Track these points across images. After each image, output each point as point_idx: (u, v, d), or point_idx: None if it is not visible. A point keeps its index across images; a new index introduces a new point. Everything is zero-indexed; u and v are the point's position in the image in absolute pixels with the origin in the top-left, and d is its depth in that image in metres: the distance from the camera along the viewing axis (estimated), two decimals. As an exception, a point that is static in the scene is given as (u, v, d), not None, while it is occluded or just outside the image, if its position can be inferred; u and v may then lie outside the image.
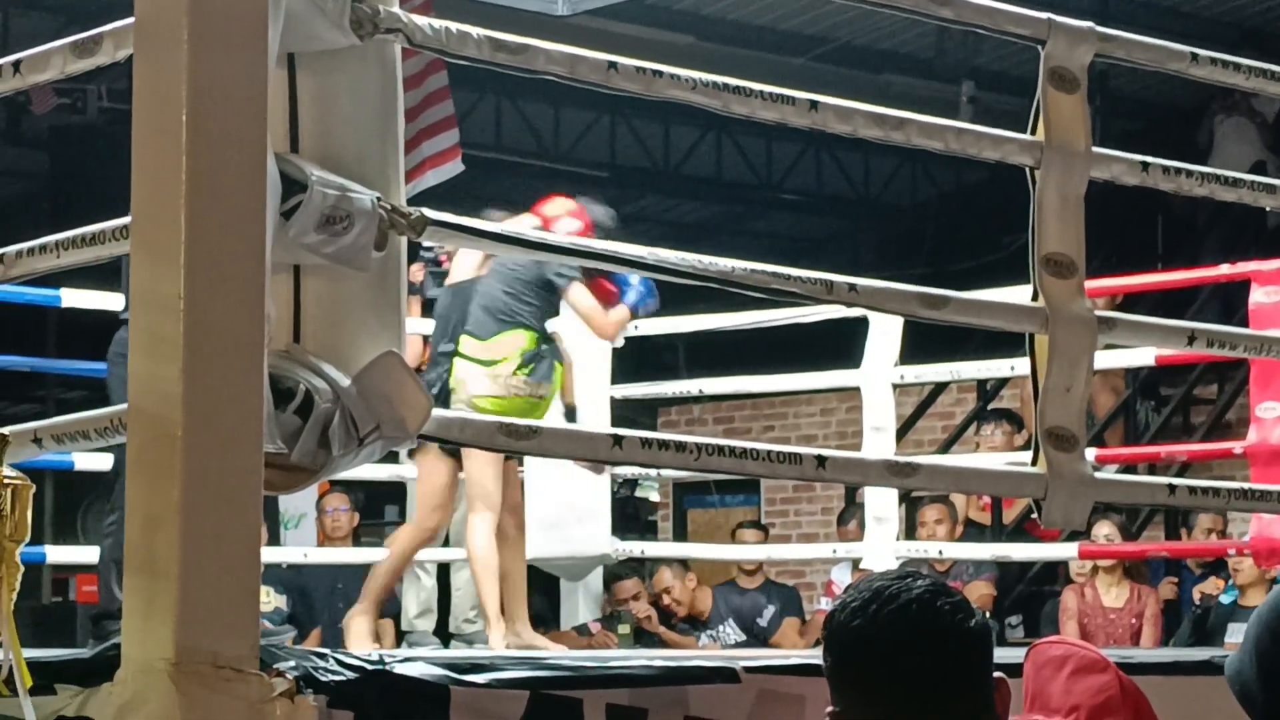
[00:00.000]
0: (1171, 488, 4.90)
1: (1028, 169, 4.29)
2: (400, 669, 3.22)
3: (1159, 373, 10.30)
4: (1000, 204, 7.83)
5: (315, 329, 3.35)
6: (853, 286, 4.06)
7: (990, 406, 10.41)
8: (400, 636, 7.96)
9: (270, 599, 7.89)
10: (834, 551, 8.99)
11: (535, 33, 3.93)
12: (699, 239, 13.96)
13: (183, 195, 2.81)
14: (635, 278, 6.75)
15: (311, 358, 3.27)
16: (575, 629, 8.44)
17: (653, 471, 9.06)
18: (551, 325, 7.05)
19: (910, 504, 8.70)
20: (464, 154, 8.71)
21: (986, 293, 5.69)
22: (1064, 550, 8.10)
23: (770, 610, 9.07)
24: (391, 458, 7.35)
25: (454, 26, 3.55)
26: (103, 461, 6.51)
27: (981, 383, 10.51)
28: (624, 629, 8.41)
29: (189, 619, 2.73)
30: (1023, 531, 9.14)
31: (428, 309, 7.70)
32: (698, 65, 4.19)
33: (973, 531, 9.11)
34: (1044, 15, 4.35)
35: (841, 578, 9.03)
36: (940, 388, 10.98)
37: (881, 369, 7.63)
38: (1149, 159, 4.52)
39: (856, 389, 7.81)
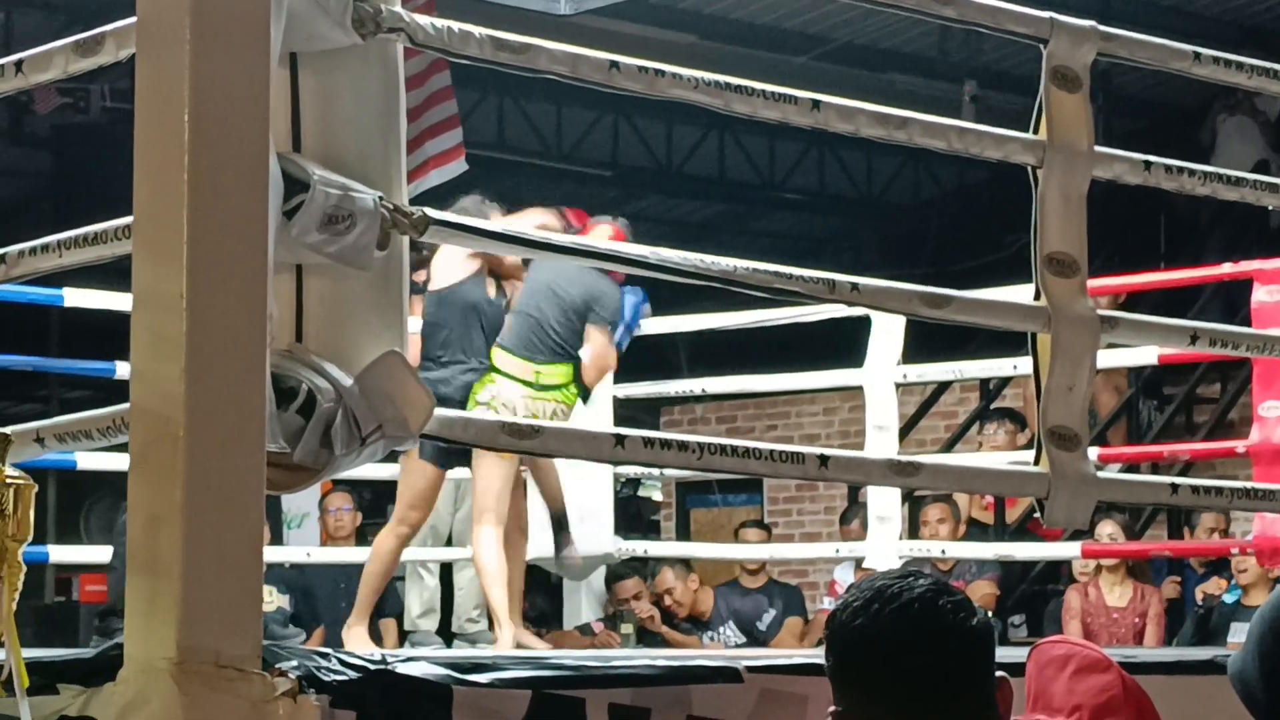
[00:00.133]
0: (1174, 487, 4.90)
1: (1030, 168, 4.29)
2: (403, 669, 3.22)
3: (1162, 372, 10.30)
4: (1002, 203, 7.83)
5: (317, 328, 3.35)
6: (855, 286, 4.06)
7: (993, 406, 10.40)
8: (403, 636, 7.96)
9: (273, 598, 7.89)
10: (837, 551, 9.00)
11: (538, 32, 3.93)
12: (701, 238, 13.97)
13: (185, 195, 2.81)
14: (627, 310, 6.89)
15: (314, 357, 3.27)
16: (578, 628, 8.44)
17: (655, 471, 9.06)
18: None
19: (913, 503, 8.70)
20: (467, 153, 8.71)
21: (989, 292, 5.69)
22: (1067, 549, 8.10)
23: (770, 614, 9.07)
24: (394, 457, 7.36)
25: (456, 26, 3.55)
26: (106, 461, 6.51)
27: (984, 382, 10.51)
28: (627, 628, 8.41)
29: (191, 618, 2.73)
30: (1025, 531, 9.13)
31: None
32: (700, 64, 4.19)
33: (976, 531, 9.10)
34: (1046, 14, 4.34)
35: (844, 577, 9.03)
36: (943, 387, 10.98)
37: (884, 368, 7.63)
38: (1151, 158, 4.52)
39: (859, 388, 7.81)
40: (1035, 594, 9.50)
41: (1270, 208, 6.98)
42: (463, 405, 6.61)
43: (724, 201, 14.84)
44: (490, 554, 6.66)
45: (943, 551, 8.24)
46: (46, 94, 10.83)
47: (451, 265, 6.80)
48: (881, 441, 7.54)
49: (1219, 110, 12.20)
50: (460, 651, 6.93)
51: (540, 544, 7.33)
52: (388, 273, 3.38)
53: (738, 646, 8.84)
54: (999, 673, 2.45)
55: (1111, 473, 6.71)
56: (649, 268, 3.97)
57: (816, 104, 4.02)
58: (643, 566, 8.93)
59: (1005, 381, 10.37)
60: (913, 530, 8.50)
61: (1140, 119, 13.13)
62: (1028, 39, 4.35)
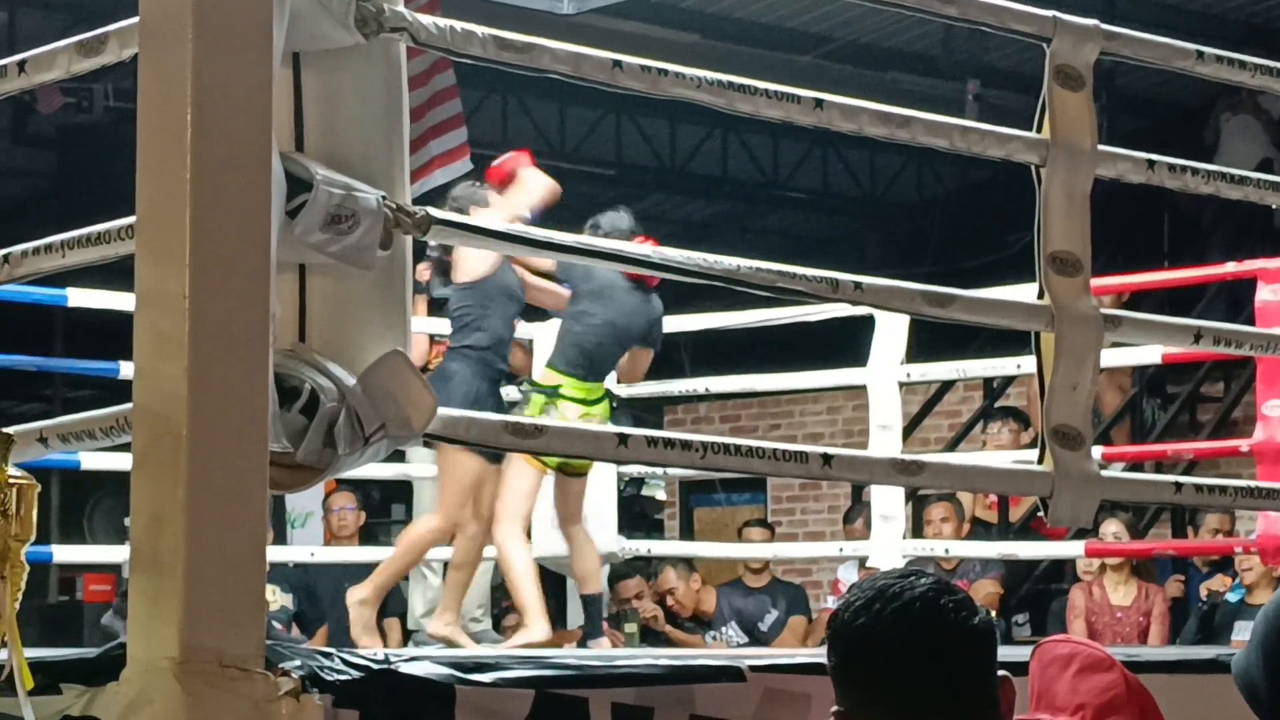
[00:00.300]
0: (1178, 486, 4.89)
1: (1033, 167, 4.28)
2: (406, 668, 3.22)
3: (1165, 371, 10.30)
4: (1006, 202, 7.83)
5: (321, 328, 3.35)
6: (858, 285, 4.06)
7: (997, 404, 10.41)
8: (407, 635, 7.96)
9: (276, 598, 7.90)
10: (840, 550, 9.00)
11: (540, 31, 3.93)
12: (705, 237, 13.95)
13: (188, 194, 2.81)
14: None
15: (317, 356, 3.27)
16: (580, 627, 8.44)
17: (659, 470, 9.07)
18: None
19: (917, 502, 8.70)
20: (470, 153, 8.72)
21: (992, 291, 5.68)
22: (1071, 548, 8.10)
23: (773, 615, 9.07)
24: (398, 456, 7.38)
25: (459, 25, 3.55)
26: (109, 461, 6.52)
27: (988, 381, 10.52)
28: (630, 628, 8.41)
29: (194, 618, 2.73)
30: (1029, 530, 9.14)
31: (434, 308, 7.70)
32: (703, 63, 4.19)
33: (979, 530, 9.11)
34: (1049, 13, 4.34)
35: (848, 576, 9.03)
36: (947, 386, 10.98)
37: (888, 367, 7.63)
38: (1155, 157, 4.51)
39: (863, 387, 7.81)
40: (1039, 593, 9.50)
41: (1274, 206, 6.98)
42: (494, 390, 6.77)
43: (727, 201, 14.84)
44: (517, 553, 6.71)
45: (946, 550, 8.24)
46: (50, 94, 10.84)
47: (483, 255, 6.77)
48: (885, 440, 7.54)
49: (1222, 109, 12.19)
50: (463, 651, 6.93)
51: (545, 542, 7.34)
52: (391, 272, 3.38)
53: (740, 646, 8.84)
54: (1001, 671, 2.45)
55: (1115, 471, 6.70)
56: (653, 267, 3.97)
57: (819, 103, 4.02)
58: (646, 566, 8.93)
59: (1009, 380, 10.37)
60: (916, 529, 8.50)
61: (1143, 118, 13.13)
62: (1031, 38, 4.34)
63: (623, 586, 8.57)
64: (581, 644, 7.21)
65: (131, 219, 3.09)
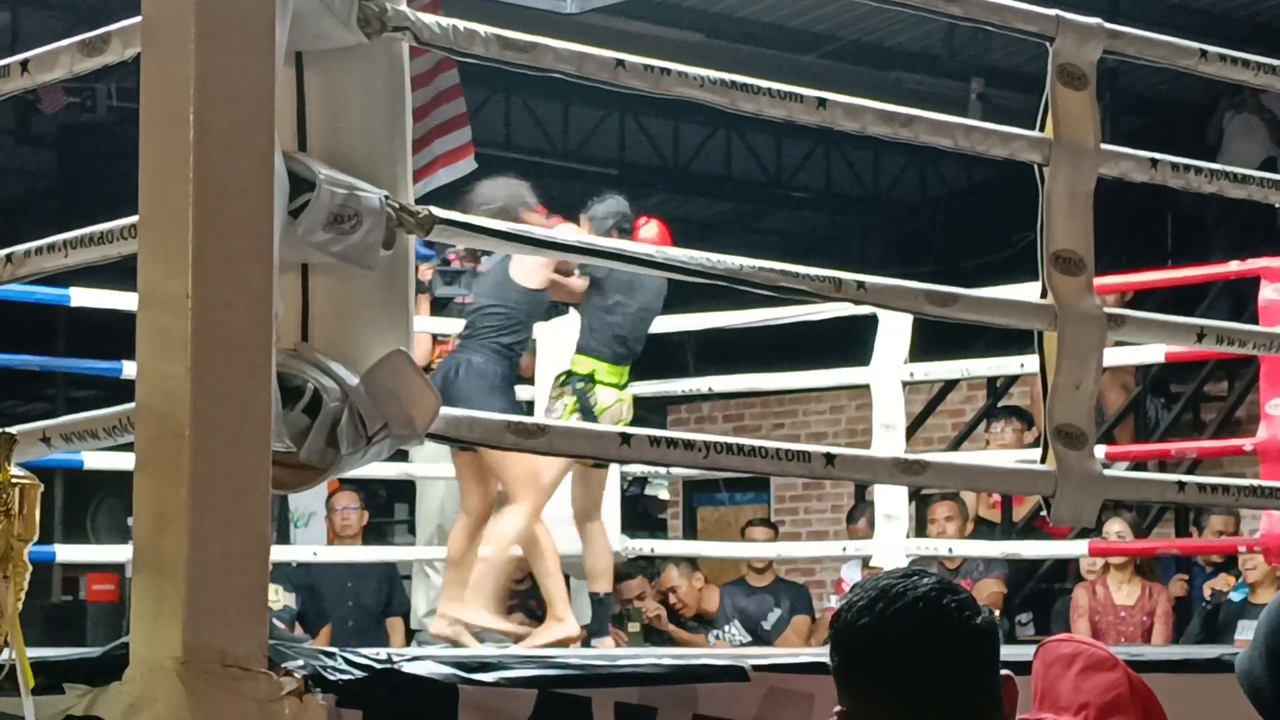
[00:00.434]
0: (1181, 485, 4.89)
1: (1036, 166, 4.28)
2: (408, 668, 3.22)
3: (1169, 370, 10.29)
4: (1009, 201, 7.85)
5: (323, 327, 3.34)
6: (861, 284, 4.05)
7: (1000, 404, 10.40)
8: (410, 635, 7.97)
9: (279, 597, 7.90)
10: (844, 549, 8.99)
11: (543, 31, 3.93)
12: (708, 236, 13.97)
13: (190, 194, 2.81)
14: None
15: (320, 356, 3.27)
16: (585, 626, 8.43)
17: (662, 469, 9.07)
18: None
19: (920, 501, 8.70)
20: (474, 152, 8.72)
21: (995, 290, 5.68)
22: (1074, 548, 8.10)
23: (775, 614, 9.07)
24: (401, 456, 7.37)
25: (462, 25, 3.54)
26: (113, 460, 6.52)
27: (991, 380, 10.51)
28: (633, 627, 8.41)
29: (197, 617, 2.73)
30: (1033, 529, 9.14)
31: (436, 308, 7.70)
32: (706, 63, 4.18)
33: (983, 529, 9.10)
34: (1052, 12, 4.34)
35: (851, 575, 9.03)
36: (950, 385, 10.98)
37: (891, 366, 7.63)
38: (1158, 156, 4.51)
39: (866, 386, 7.81)
40: (1043, 592, 9.50)
41: (1277, 205, 6.97)
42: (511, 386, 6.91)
43: (730, 200, 14.85)
44: (548, 543, 6.75)
45: (950, 550, 8.24)
46: (53, 93, 10.85)
47: (533, 268, 6.82)
48: (888, 440, 7.54)
49: (1226, 108, 12.19)
50: (466, 650, 6.93)
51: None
52: (394, 272, 3.37)
53: (743, 645, 8.84)
54: (1004, 671, 2.45)
55: (1119, 471, 6.71)
56: (655, 266, 3.96)
57: (823, 102, 4.02)
58: (649, 565, 8.93)
59: (1012, 380, 10.37)
60: (920, 528, 8.50)
61: (1147, 116, 13.13)
62: (1034, 37, 4.34)
63: (624, 586, 8.57)
64: (586, 643, 7.21)
65: (134, 218, 3.09)
